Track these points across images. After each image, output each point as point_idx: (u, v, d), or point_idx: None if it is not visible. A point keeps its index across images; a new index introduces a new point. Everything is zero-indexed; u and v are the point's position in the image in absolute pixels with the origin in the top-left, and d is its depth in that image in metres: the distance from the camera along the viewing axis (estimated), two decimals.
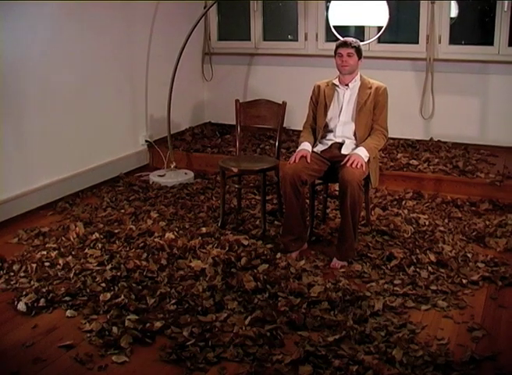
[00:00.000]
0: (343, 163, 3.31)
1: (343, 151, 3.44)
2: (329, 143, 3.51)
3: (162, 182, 4.75)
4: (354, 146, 3.43)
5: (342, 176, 3.23)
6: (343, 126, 3.48)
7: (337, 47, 3.44)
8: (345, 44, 3.41)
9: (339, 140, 3.48)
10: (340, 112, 3.49)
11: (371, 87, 3.45)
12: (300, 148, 3.48)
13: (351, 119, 3.46)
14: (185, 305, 2.84)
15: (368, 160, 3.35)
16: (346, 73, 3.43)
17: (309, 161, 3.38)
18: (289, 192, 3.32)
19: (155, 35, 5.24)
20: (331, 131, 3.52)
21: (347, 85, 3.47)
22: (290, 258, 3.34)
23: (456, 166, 4.53)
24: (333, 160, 3.46)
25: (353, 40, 3.44)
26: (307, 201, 3.66)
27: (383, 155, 4.82)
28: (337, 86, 3.49)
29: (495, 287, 3.03)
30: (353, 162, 3.25)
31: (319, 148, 3.52)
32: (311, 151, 3.45)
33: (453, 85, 5.12)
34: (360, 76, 3.49)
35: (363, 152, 3.33)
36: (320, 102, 3.54)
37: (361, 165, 3.27)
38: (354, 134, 3.45)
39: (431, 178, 4.44)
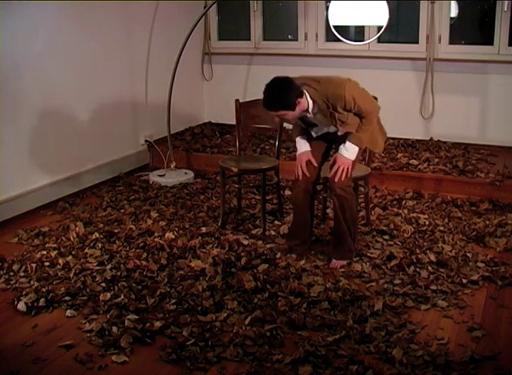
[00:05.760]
0: (330, 164, 3.23)
1: (340, 133, 3.27)
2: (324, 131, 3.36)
3: (162, 182, 4.75)
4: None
5: (329, 181, 3.22)
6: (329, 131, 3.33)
7: None
8: (268, 109, 3.03)
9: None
10: (318, 128, 3.32)
11: (333, 106, 3.05)
12: (299, 149, 3.35)
13: (334, 130, 3.27)
14: (185, 304, 2.84)
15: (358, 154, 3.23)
16: (291, 122, 3.26)
17: (316, 164, 3.30)
18: (302, 201, 3.30)
19: (155, 35, 5.24)
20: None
21: (306, 114, 3.16)
22: (290, 257, 3.34)
23: (456, 166, 4.53)
24: (329, 140, 3.37)
25: (277, 101, 2.99)
26: None
27: (383, 155, 4.82)
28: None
29: (495, 287, 3.03)
30: (337, 173, 3.15)
31: (314, 133, 3.37)
32: (309, 148, 3.32)
33: (453, 85, 5.12)
34: (315, 102, 3.08)
35: (350, 150, 3.17)
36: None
37: (347, 169, 3.16)
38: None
39: (431, 178, 4.44)
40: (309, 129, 3.37)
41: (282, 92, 3.00)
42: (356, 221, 3.47)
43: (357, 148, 3.20)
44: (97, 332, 2.64)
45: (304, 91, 3.07)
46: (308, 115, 3.16)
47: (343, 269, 3.23)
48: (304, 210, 3.34)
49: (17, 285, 3.09)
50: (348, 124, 3.14)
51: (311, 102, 3.09)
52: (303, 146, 3.35)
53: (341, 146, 3.22)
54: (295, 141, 3.40)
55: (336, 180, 3.16)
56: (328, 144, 3.43)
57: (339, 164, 3.18)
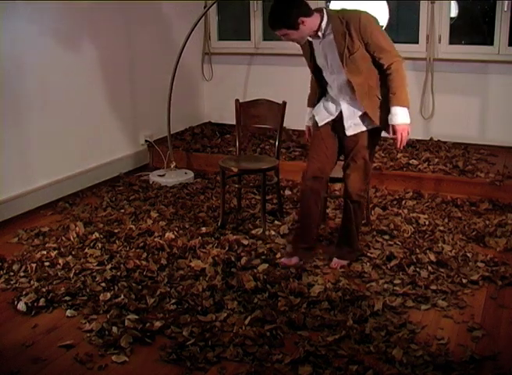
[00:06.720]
0: (391, 136, 3.06)
1: (347, 130, 3.09)
2: (329, 110, 3.17)
3: (162, 182, 4.75)
4: (352, 111, 3.07)
5: (344, 187, 3.22)
6: (336, 81, 3.08)
7: None
8: (271, 27, 2.96)
9: (339, 100, 3.11)
10: (327, 65, 3.08)
11: (347, 24, 2.93)
12: (305, 120, 3.37)
13: (342, 72, 3.01)
14: (185, 304, 2.84)
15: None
16: (300, 43, 3.09)
17: (309, 139, 3.36)
18: (308, 200, 3.19)
19: (155, 35, 5.25)
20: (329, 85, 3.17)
21: (317, 35, 3.02)
22: (289, 263, 3.24)
23: (456, 166, 4.53)
24: (338, 136, 3.22)
25: (278, 18, 2.91)
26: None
27: (383, 154, 4.82)
28: (309, 39, 3.05)
29: (495, 287, 3.03)
30: (402, 140, 3.01)
31: (321, 117, 3.20)
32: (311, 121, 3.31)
33: (453, 85, 5.12)
34: (330, 19, 2.97)
35: (399, 113, 2.99)
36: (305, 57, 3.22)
37: (408, 133, 3.03)
38: (353, 89, 3.02)
39: (431, 178, 4.44)
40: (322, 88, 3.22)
41: (283, 9, 2.90)
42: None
43: (404, 109, 3.01)
44: (97, 332, 2.64)
45: (323, 10, 2.99)
46: (320, 34, 2.99)
47: (343, 269, 3.23)
48: (310, 211, 3.21)
49: (17, 285, 3.09)
50: (356, 61, 2.95)
51: (325, 20, 2.96)
52: (307, 120, 3.38)
53: (389, 116, 3.02)
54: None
55: (403, 145, 3.04)
56: (339, 145, 3.23)
57: (399, 131, 3.01)
